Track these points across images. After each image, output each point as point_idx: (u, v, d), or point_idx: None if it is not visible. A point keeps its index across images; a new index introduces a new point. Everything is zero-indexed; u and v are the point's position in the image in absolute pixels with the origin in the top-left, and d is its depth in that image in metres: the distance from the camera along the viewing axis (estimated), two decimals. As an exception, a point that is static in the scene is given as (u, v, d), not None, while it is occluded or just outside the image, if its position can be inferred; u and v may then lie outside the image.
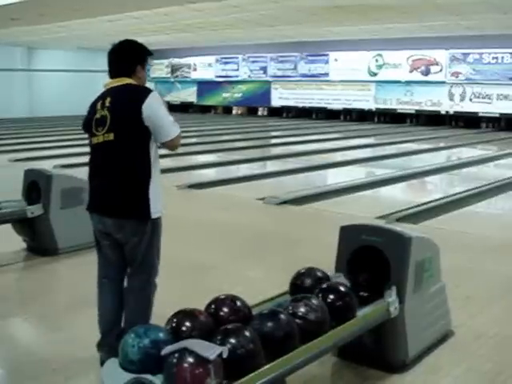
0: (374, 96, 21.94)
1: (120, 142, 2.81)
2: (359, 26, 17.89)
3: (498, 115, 19.78)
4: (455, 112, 20.52)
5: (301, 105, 23.26)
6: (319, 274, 3.00)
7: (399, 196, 8.71)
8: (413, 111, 21.24)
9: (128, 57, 2.94)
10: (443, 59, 20.51)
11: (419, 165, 10.99)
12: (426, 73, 20.90)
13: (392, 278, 2.90)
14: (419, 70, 21.00)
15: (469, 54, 20.06)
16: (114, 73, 2.93)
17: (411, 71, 21.17)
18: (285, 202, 7.19)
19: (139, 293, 2.89)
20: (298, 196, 7.53)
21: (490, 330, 3.53)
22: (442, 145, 15.28)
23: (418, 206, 7.12)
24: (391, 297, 2.86)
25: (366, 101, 22.10)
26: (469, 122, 20.24)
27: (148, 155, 2.84)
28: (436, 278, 3.21)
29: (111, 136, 2.82)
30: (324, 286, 2.84)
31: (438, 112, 20.55)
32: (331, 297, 2.73)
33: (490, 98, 19.84)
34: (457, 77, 20.36)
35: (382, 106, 21.87)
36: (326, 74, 22.98)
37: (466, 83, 20.18)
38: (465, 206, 7.31)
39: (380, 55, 21.82)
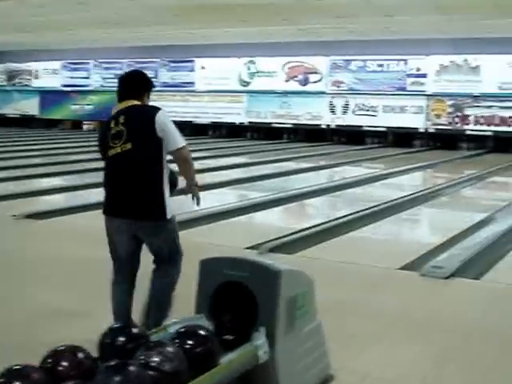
0: (246, 109, 22.39)
1: (137, 150, 3.64)
2: (227, 29, 18.19)
3: (384, 129, 20.91)
4: (337, 126, 21.40)
5: (164, 118, 23.28)
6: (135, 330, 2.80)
7: (275, 222, 8.88)
8: (290, 125, 21.88)
9: (138, 84, 3.87)
10: (323, 67, 21.39)
11: (298, 186, 11.29)
12: (305, 82, 21.68)
13: (260, 318, 2.92)
14: (296, 79, 21.75)
15: (351, 61, 21.08)
16: (124, 97, 3.81)
17: (287, 80, 21.87)
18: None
19: (166, 279, 3.74)
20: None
21: (374, 371, 3.64)
22: (323, 163, 15.84)
23: (296, 232, 7.29)
24: (259, 339, 2.87)
25: (238, 114, 22.51)
26: (352, 137, 21.18)
27: (161, 162, 3.70)
28: (311, 315, 3.26)
29: (129, 145, 3.64)
30: (182, 329, 2.80)
31: (318, 126, 21.35)
32: (190, 343, 2.69)
33: (375, 111, 20.95)
34: (338, 86, 21.31)
35: (255, 120, 22.35)
36: (192, 84, 23.20)
37: (349, 94, 21.17)
38: (348, 232, 7.59)
39: (252, 62, 22.35)
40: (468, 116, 19.79)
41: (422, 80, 20.23)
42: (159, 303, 3.70)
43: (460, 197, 11.63)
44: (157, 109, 3.72)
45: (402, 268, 5.95)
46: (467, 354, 3.96)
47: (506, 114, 19.32)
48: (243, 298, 2.98)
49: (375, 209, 9.11)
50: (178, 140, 3.72)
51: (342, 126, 21.36)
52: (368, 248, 6.94)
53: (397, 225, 8.83)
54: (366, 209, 9.05)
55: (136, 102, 3.78)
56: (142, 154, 3.66)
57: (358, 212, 8.75)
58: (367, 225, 8.18)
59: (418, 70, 20.25)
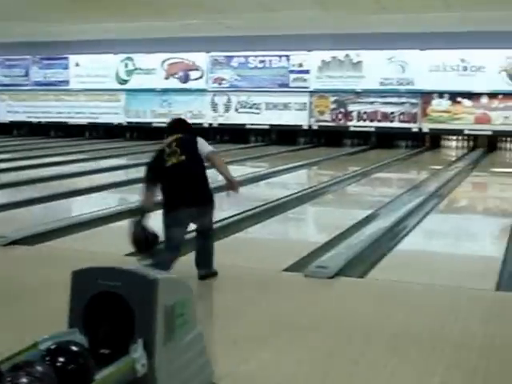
0: (125, 108, 22.11)
1: (189, 160, 5.54)
2: (102, 24, 17.90)
3: (267, 127, 21.20)
4: (220, 125, 21.53)
5: (35, 120, 22.55)
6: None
7: (157, 226, 8.78)
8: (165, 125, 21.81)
9: (186, 125, 6.02)
10: (204, 63, 21.43)
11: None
12: (185, 79, 21.67)
13: (137, 330, 2.87)
14: (176, 77, 21.69)
15: (232, 57, 21.24)
16: (174, 132, 5.79)
17: (167, 78, 21.79)
18: (14, 242, 6.86)
19: (211, 239, 5.77)
20: (32, 233, 7.27)
21: (258, 377, 3.67)
22: (206, 163, 15.82)
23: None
24: (137, 352, 2.82)
25: (116, 114, 22.20)
26: (235, 135, 21.36)
27: (204, 168, 5.63)
28: (192, 324, 3.24)
29: (183, 157, 5.52)
30: (52, 346, 2.71)
31: (201, 125, 21.35)
32: (61, 360, 2.59)
33: (258, 108, 21.21)
34: (220, 84, 21.42)
35: (134, 120, 22.11)
36: (66, 82, 22.67)
37: (231, 91, 21.33)
38: (234, 233, 7.63)
39: (130, 59, 22.11)
40: (351, 112, 20.44)
41: (304, 76, 20.69)
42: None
43: (345, 194, 11.97)
44: (197, 136, 5.76)
45: (287, 269, 6.04)
46: (352, 354, 4.05)
47: (388, 109, 20.14)
48: (119, 309, 2.92)
49: (261, 209, 9.25)
50: (208, 148, 5.67)
51: (225, 124, 21.50)
52: (253, 249, 7.01)
53: (283, 224, 8.97)
54: (252, 209, 9.15)
55: (182, 135, 5.71)
56: (192, 162, 5.56)
57: (243, 212, 8.83)
58: (253, 225, 8.28)
59: (301, 65, 20.69)
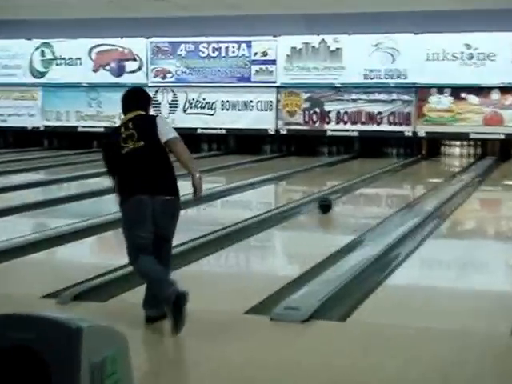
0: (42, 108, 21.95)
1: (148, 146, 5.63)
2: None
3: (223, 132, 21.25)
4: (163, 129, 21.48)
5: None
6: None
7: (84, 258, 8.75)
8: (102, 129, 21.61)
9: (144, 99, 6.10)
10: (143, 52, 21.40)
11: (115, 209, 11.16)
12: (119, 72, 21.62)
13: (56, 393, 2.84)
14: (108, 68, 21.62)
15: (180, 43, 21.27)
16: (130, 108, 5.88)
17: (96, 70, 21.71)
18: None
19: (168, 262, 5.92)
20: None
21: None
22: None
23: (112, 271, 7.22)
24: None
25: (30, 115, 22.02)
26: (184, 142, 21.24)
27: (166, 153, 5.72)
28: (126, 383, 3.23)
29: (141, 143, 5.61)
30: None
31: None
32: None
33: (212, 108, 21.25)
34: (163, 77, 21.43)
35: (54, 124, 21.93)
36: (-34, 76, 22.45)
37: (178, 86, 21.35)
38: (184, 265, 7.61)
39: (48, 45, 21.96)
40: (329, 113, 20.59)
41: (270, 67, 20.80)
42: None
43: (322, 215, 12.02)
44: (156, 116, 6.00)
45: (249, 311, 6.04)
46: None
47: (375, 108, 20.31)
48: (33, 367, 2.90)
49: (216, 235, 9.24)
50: (170, 133, 5.72)
51: (171, 128, 21.46)
52: (206, 287, 6.95)
53: (244, 254, 9.01)
54: (205, 235, 9.14)
55: (141, 112, 5.83)
56: (151, 148, 5.63)
57: (193, 240, 8.81)
58: (206, 256, 8.29)
59: (265, 54, 20.79)
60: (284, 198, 14.70)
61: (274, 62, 20.79)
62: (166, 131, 5.70)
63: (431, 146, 20.82)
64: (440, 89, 19.85)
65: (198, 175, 5.78)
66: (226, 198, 13.14)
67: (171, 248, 5.98)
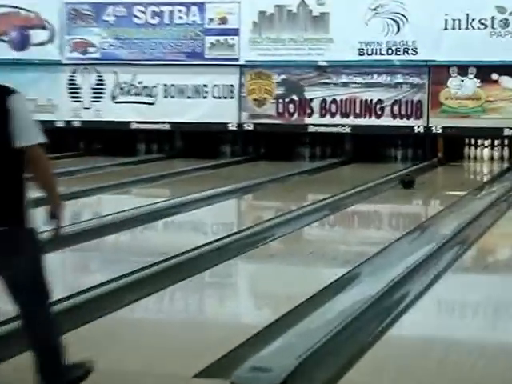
0: None
1: None
2: None
3: (167, 127, 21.21)
4: (84, 123, 21.38)
5: None
6: None
7: None
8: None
9: None
10: (55, 17, 21.33)
11: None
12: (21, 44, 21.51)
13: None
14: (6, 39, 21.58)
15: (106, 6, 21.26)
16: None
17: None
18: None
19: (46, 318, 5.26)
20: None
21: None
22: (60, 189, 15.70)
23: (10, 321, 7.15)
24: None
25: None
26: (114, 141, 21.31)
27: (20, 163, 4.96)
28: None
29: None
30: None
31: (51, 124, 20.94)
32: None
33: (151, 95, 21.22)
34: (85, 52, 21.36)
35: None
36: None
37: (104, 65, 21.28)
38: (109, 312, 7.58)
39: None
40: (311, 101, 20.59)
41: (230, 39, 20.78)
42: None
43: (302, 241, 12.01)
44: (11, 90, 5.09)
45: (201, 374, 6.01)
46: None
47: (373, 95, 20.34)
48: None
49: (157, 268, 9.23)
50: (32, 133, 4.98)
51: (94, 122, 21.39)
52: (142, 341, 6.95)
53: (195, 294, 8.97)
54: (142, 268, 9.10)
55: None
56: None
57: (127, 275, 8.78)
58: (142, 298, 8.23)
59: (224, 21, 20.79)
60: (250, 217, 14.67)
61: (235, 31, 20.80)
62: (26, 129, 4.99)
63: (450, 147, 20.88)
64: (463, 68, 19.88)
65: (60, 203, 5.27)
66: (171, 218, 13.13)
67: (46, 302, 5.26)
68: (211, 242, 10.81)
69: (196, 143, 21.20)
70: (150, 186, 16.62)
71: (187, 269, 9.37)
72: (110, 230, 11.61)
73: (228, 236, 11.37)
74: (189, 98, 21.05)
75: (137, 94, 21.34)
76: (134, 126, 21.30)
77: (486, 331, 7.74)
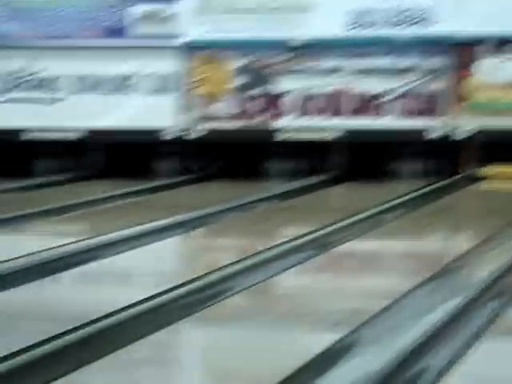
0: None
1: None
2: None
3: (78, 136, 21.37)
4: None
5: None
6: None
7: None
8: None
9: None
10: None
11: None
12: None
13: None
14: None
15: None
16: None
17: None
18: None
19: None
20: None
21: None
22: None
23: None
24: None
25: None
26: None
27: None
28: None
29: None
30: None
31: None
32: None
33: (54, 90, 21.45)
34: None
35: None
36: None
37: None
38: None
39: None
40: (282, 95, 20.73)
41: (165, 9, 20.93)
42: None
43: (271, 295, 12.07)
44: None
45: None
46: None
47: (371, 86, 20.50)
48: None
49: (66, 340, 9.20)
50: None
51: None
52: None
53: (123, 375, 8.95)
54: (42, 342, 9.10)
55: None
56: None
57: (18, 353, 8.78)
58: (48, 381, 8.23)
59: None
60: (201, 262, 14.71)
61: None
62: None
63: (483, 157, 20.99)
64: (497, 44, 20.03)
65: None
66: (87, 267, 13.14)
67: None
68: (146, 299, 10.83)
69: (119, 158, 21.31)
70: (56, 220, 16.67)
71: (112, 339, 9.39)
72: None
73: (170, 290, 11.39)
74: (110, 92, 21.15)
75: (34, 88, 21.43)
76: (28, 135, 21.36)
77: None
